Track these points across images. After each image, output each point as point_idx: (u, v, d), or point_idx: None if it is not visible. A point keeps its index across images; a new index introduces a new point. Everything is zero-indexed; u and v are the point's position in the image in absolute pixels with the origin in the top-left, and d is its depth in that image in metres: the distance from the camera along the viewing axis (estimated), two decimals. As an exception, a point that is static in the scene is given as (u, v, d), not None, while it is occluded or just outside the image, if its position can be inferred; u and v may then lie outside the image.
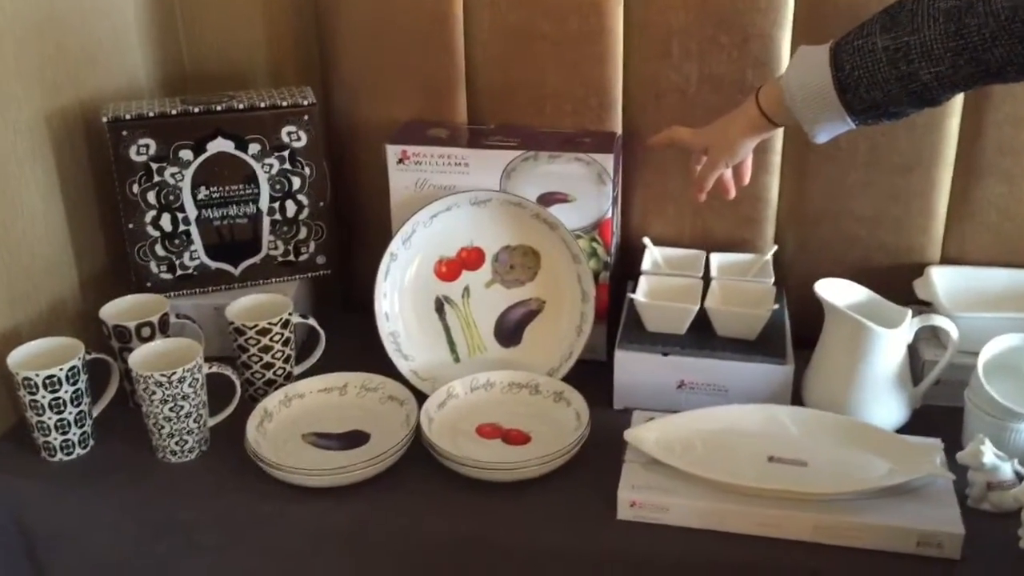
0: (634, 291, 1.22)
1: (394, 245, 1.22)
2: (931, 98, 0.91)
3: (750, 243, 1.31)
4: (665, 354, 1.17)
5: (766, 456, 1.05)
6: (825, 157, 1.24)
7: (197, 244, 1.29)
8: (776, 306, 1.16)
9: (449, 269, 1.26)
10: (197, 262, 1.30)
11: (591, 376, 1.22)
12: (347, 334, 1.28)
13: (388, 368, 1.22)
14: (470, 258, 1.25)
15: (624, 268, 1.32)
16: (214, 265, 1.30)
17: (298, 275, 1.35)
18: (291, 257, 1.33)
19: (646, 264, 1.27)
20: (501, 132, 1.28)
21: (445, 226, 1.23)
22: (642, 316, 1.19)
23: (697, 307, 1.16)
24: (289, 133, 1.27)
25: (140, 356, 1.11)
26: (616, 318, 1.27)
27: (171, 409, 1.09)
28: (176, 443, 1.11)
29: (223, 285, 1.32)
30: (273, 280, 1.34)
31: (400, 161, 1.24)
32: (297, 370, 1.24)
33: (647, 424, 1.08)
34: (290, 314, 1.20)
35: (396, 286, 1.25)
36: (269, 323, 1.18)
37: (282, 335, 1.19)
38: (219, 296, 1.31)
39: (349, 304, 1.45)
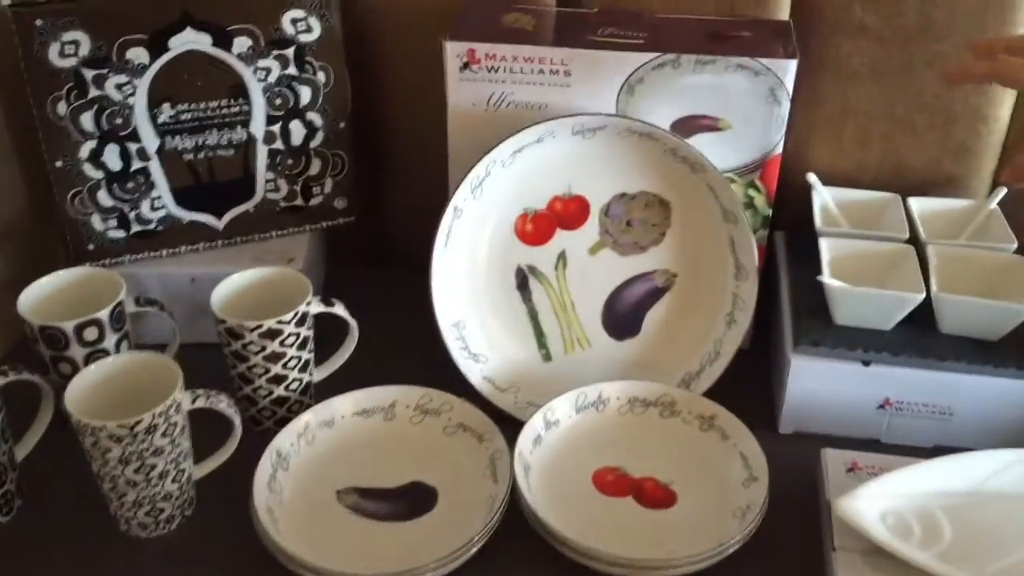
0: (805, 257, 0.83)
1: (459, 195, 0.82)
2: None
3: (959, 181, 0.92)
4: (867, 363, 0.80)
5: (1052, 541, 0.70)
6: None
7: (161, 188, 0.87)
8: (1048, 299, 0.78)
9: (537, 228, 0.86)
10: (162, 213, 0.88)
11: (729, 376, 0.85)
12: (382, 314, 0.89)
13: (449, 371, 0.84)
14: (568, 212, 0.85)
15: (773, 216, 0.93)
16: (187, 216, 0.89)
17: (309, 226, 0.94)
18: (298, 201, 0.93)
19: (816, 215, 0.88)
20: (612, 19, 0.85)
21: (533, 165, 0.83)
22: (833, 305, 0.81)
23: (921, 295, 0.79)
24: (294, 21, 0.84)
25: (82, 389, 0.72)
26: (767, 287, 0.89)
27: (137, 471, 0.70)
28: (147, 513, 0.73)
29: (201, 244, 0.91)
30: (274, 234, 0.93)
31: (466, 66, 0.82)
32: (316, 376, 0.86)
33: (864, 489, 0.72)
34: (309, 303, 0.81)
35: (462, 255, 0.85)
36: (280, 321, 0.78)
37: (297, 336, 0.80)
38: (196, 261, 0.90)
39: (380, 263, 1.05)
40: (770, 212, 0.86)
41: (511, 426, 0.79)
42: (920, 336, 0.80)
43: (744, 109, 0.81)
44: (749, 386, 0.88)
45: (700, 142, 0.82)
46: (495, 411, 0.82)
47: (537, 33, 0.84)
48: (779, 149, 0.83)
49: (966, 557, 0.68)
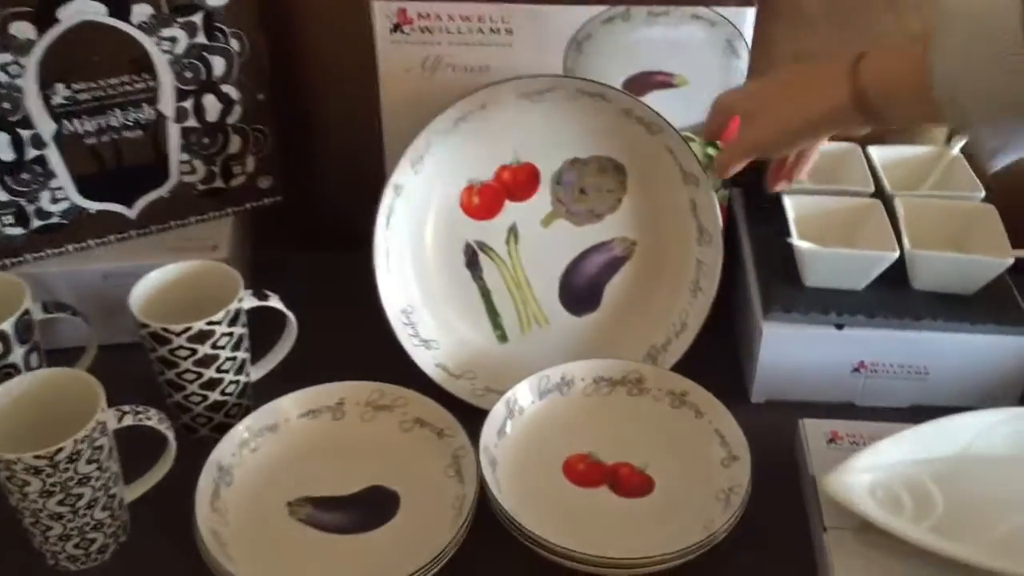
0: (766, 215, 0.79)
1: (399, 172, 0.74)
2: None
3: (919, 128, 0.88)
4: (840, 326, 0.76)
5: (1044, 504, 0.67)
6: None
7: (62, 177, 0.78)
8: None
9: (484, 201, 0.79)
10: (64, 205, 0.79)
11: (697, 339, 0.81)
12: (320, 302, 0.82)
13: (400, 361, 0.78)
14: (517, 181, 0.79)
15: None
16: (94, 207, 0.80)
17: (231, 209, 0.86)
18: (218, 183, 0.84)
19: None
20: None
21: (477, 134, 0.76)
22: (803, 267, 0.77)
23: (895, 253, 0.75)
24: (201, -17, 0.75)
25: (-10, 416, 0.64)
26: (730, 252, 0.85)
27: (62, 502, 0.63)
28: (76, 545, 0.66)
29: (111, 236, 0.82)
30: (192, 220, 0.84)
31: (397, 28, 0.74)
32: (254, 376, 0.78)
33: (851, 463, 0.68)
34: (241, 299, 0.73)
35: (405, 235, 0.78)
36: (210, 322, 0.70)
37: (231, 336, 0.73)
38: (107, 255, 0.82)
39: (310, 246, 0.96)
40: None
41: (472, 418, 0.73)
42: (892, 295, 0.77)
43: (701, 63, 0.76)
44: (712, 354, 0.84)
45: (655, 100, 0.77)
46: (453, 402, 0.76)
47: None
48: None
49: (961, 527, 0.65)
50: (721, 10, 0.74)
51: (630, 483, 0.71)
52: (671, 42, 0.75)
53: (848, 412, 0.79)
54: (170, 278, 0.75)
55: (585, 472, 0.72)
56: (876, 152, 0.85)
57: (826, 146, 0.85)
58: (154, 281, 0.74)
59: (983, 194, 0.80)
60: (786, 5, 0.82)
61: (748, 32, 0.74)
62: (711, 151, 0.79)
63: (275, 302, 0.76)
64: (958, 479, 0.68)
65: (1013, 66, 0.52)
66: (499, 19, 0.74)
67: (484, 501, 0.68)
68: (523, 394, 0.75)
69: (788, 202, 0.79)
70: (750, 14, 0.73)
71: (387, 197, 0.75)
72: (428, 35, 0.75)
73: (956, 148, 0.84)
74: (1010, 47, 0.52)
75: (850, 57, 0.62)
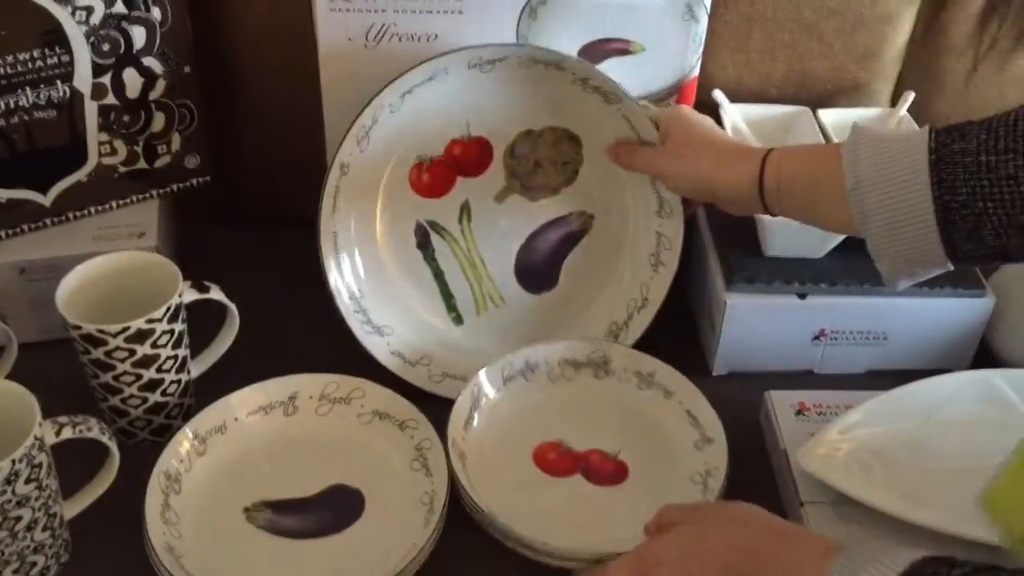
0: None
1: (344, 150, 0.70)
2: None
3: (864, 88, 0.87)
4: (803, 296, 0.75)
5: (1010, 467, 0.68)
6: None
7: (-34, 163, 0.71)
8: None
9: (435, 177, 0.75)
10: (-29, 193, 0.72)
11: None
12: (260, 288, 0.77)
13: (352, 350, 0.74)
14: (468, 156, 0.75)
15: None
16: (4, 195, 0.73)
17: (156, 191, 0.79)
18: (141, 163, 0.77)
19: (730, 136, 0.81)
20: None
21: (426, 108, 0.72)
22: (764, 237, 0.76)
23: (855, 221, 0.74)
24: (117, -53, 0.68)
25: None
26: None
27: (0, 527, 0.57)
28: (16, 571, 0.60)
29: (26, 226, 0.75)
30: (114, 204, 0.78)
31: None
32: (195, 372, 0.73)
33: (822, 436, 0.68)
34: (180, 293, 0.68)
35: (352, 216, 0.74)
36: (149, 320, 0.65)
37: (171, 333, 0.67)
38: (23, 246, 0.75)
39: (242, 225, 0.90)
40: None
41: (433, 406, 0.70)
42: (851, 262, 0.76)
43: (658, 29, 0.73)
44: (667, 327, 0.83)
45: (611, 67, 0.74)
46: (410, 390, 0.72)
47: None
48: (696, 71, 0.75)
49: (933, 494, 0.65)
50: (682, -23, 0.71)
51: (603, 471, 0.69)
52: (628, 7, 0.72)
53: (807, 380, 0.78)
54: (99, 272, 0.69)
55: (557, 461, 0.69)
56: (826, 115, 0.84)
57: (777, 109, 0.85)
58: (81, 276, 0.68)
59: (934, 156, 0.80)
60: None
61: None
62: None
63: (216, 294, 0.71)
64: (926, 445, 0.69)
65: (912, 176, 0.56)
66: None
67: (454, 494, 0.65)
68: (487, 382, 0.72)
69: (744, 170, 0.77)
70: None
71: (332, 177, 0.70)
72: (372, 2, 0.70)
73: (903, 109, 0.84)
74: (914, 164, 0.56)
75: (759, 158, 0.65)
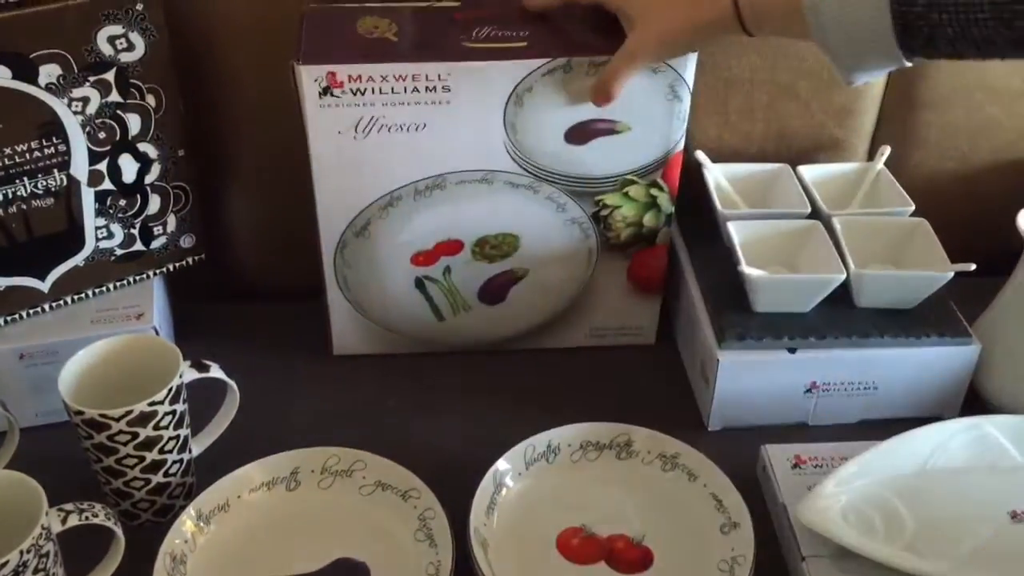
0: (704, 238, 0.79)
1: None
2: None
3: (842, 144, 0.89)
4: (792, 350, 0.77)
5: (1006, 512, 0.69)
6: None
7: (-34, 254, 0.72)
8: (971, 266, 0.76)
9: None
10: (-30, 283, 0.73)
11: (643, 371, 0.85)
12: (254, 360, 0.79)
13: (353, 416, 0.74)
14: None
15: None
16: (3, 283, 0.74)
17: (153, 271, 0.81)
18: (137, 246, 0.79)
19: (714, 196, 0.83)
20: (483, 16, 0.75)
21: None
22: (753, 293, 0.77)
23: (842, 275, 0.76)
24: (112, 39, 0.69)
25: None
26: (670, 276, 0.85)
27: (5, 621, 0.57)
28: (22, 662, 0.60)
29: (24, 311, 0.76)
30: (111, 287, 0.79)
31: (327, 91, 0.71)
32: (196, 450, 0.74)
33: (821, 489, 0.68)
34: (181, 374, 0.68)
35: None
36: (152, 403, 0.66)
37: (173, 414, 0.68)
38: (21, 332, 0.75)
39: (233, 298, 0.91)
40: (673, 210, 0.81)
41: (437, 477, 0.70)
42: (839, 314, 0.77)
43: (643, 109, 0.74)
44: (658, 379, 0.84)
45: (598, 146, 0.76)
46: (416, 463, 0.72)
47: (403, 43, 0.73)
48: (680, 146, 0.77)
49: (934, 544, 0.66)
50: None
51: (628, 557, 0.68)
52: (613, 92, 0.74)
53: (801, 432, 0.79)
54: (100, 356, 0.69)
55: (580, 548, 0.69)
56: (806, 172, 0.86)
57: (758, 167, 0.87)
58: (83, 361, 0.68)
59: (912, 208, 0.82)
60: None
61: (690, 77, 0.73)
62: (654, 192, 0.78)
63: (216, 372, 0.71)
64: (924, 494, 0.70)
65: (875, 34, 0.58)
66: (436, 77, 0.71)
67: (459, 569, 0.65)
68: (509, 466, 0.72)
69: (732, 228, 0.79)
70: (692, 60, 0.73)
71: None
72: (360, 96, 0.71)
73: (880, 163, 0.86)
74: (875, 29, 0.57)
75: None
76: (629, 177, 0.78)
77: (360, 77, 0.70)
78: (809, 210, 0.82)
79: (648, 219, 0.80)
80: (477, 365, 0.85)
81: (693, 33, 0.69)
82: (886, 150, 0.87)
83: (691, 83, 0.74)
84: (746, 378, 0.77)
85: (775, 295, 0.76)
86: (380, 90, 0.71)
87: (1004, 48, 0.57)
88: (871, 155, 0.90)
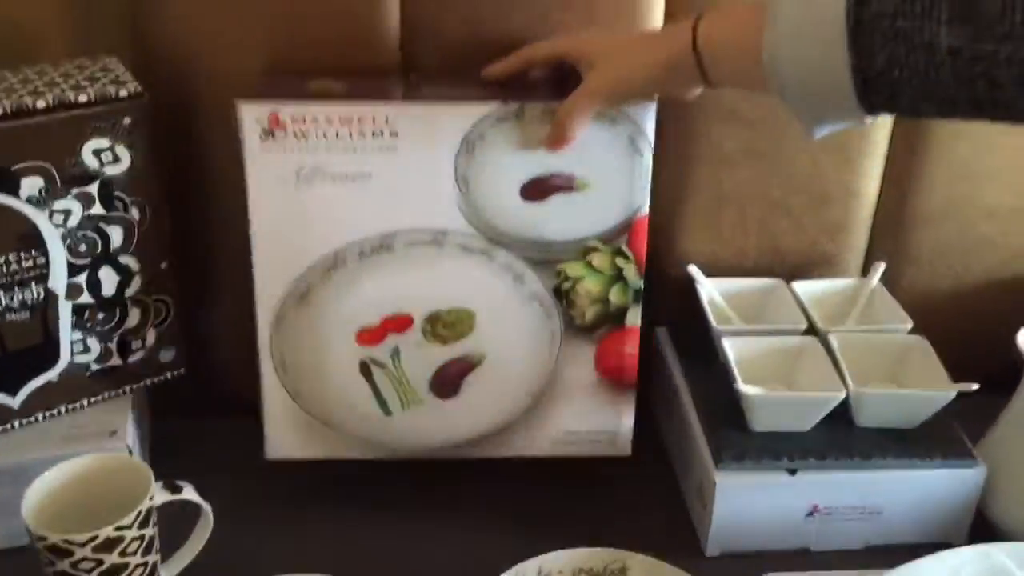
0: (697, 355, 0.77)
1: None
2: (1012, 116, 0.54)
3: (834, 259, 0.88)
4: (793, 471, 0.74)
5: (1026, 650, 0.65)
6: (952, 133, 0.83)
7: (-66, 369, 0.69)
8: (974, 385, 0.74)
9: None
10: (-62, 399, 0.70)
11: (624, 487, 0.81)
12: (225, 479, 0.74)
13: (333, 544, 0.71)
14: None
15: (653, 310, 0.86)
16: (-28, 399, 0.72)
17: (130, 386, 0.78)
18: (114, 360, 0.76)
19: (707, 311, 0.82)
20: (437, 79, 0.76)
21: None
22: (750, 413, 0.75)
23: (842, 394, 0.73)
24: (97, 152, 0.69)
25: None
26: (662, 395, 0.82)
27: None
28: None
29: (-7, 428, 0.73)
30: (84, 403, 0.76)
31: (268, 134, 0.68)
32: (166, 577, 0.70)
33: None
34: (151, 496, 0.65)
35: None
36: (119, 527, 0.62)
37: (141, 539, 0.64)
38: (-12, 450, 0.72)
39: (204, 412, 0.88)
40: (641, 285, 0.76)
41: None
42: (839, 433, 0.75)
43: (602, 164, 0.71)
44: (643, 497, 0.81)
45: (555, 206, 0.72)
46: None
47: (351, 95, 0.71)
48: (645, 208, 0.73)
49: None
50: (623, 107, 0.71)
51: None
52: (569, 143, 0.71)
53: (804, 559, 0.76)
54: (67, 476, 0.66)
55: None
56: (800, 287, 0.85)
57: (752, 282, 0.86)
58: (49, 482, 0.65)
59: (910, 325, 0.81)
60: (705, 147, 0.82)
61: (650, 129, 0.71)
62: (619, 262, 0.75)
63: (190, 493, 0.68)
64: (937, 629, 0.66)
65: (829, 43, 0.55)
66: (383, 120, 0.68)
67: None
68: None
69: (727, 344, 0.77)
70: (651, 110, 0.71)
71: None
72: (303, 141, 0.69)
73: (875, 279, 0.85)
74: (831, 30, 0.54)
75: (691, 16, 0.64)
76: (591, 244, 0.74)
77: (304, 119, 0.68)
78: (805, 326, 0.80)
79: (614, 295, 0.75)
80: (433, 475, 0.80)
81: (652, 70, 0.66)
82: (880, 267, 0.86)
83: (651, 138, 0.71)
84: (745, 501, 0.74)
85: (774, 414, 0.74)
86: (324, 134, 0.69)
87: (964, 108, 0.55)
88: (865, 271, 0.89)
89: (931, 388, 0.74)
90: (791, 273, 0.87)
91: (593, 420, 0.80)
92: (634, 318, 0.77)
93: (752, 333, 0.80)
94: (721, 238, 0.86)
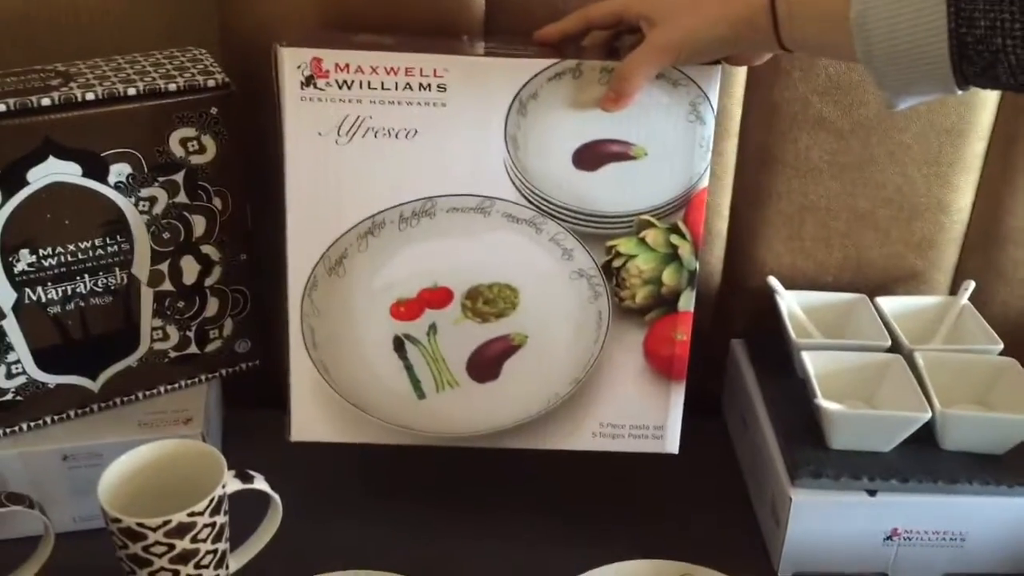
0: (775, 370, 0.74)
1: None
2: None
3: (921, 276, 0.86)
4: (872, 492, 0.71)
5: None
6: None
7: (19, 350, 0.70)
8: (1070, 412, 0.71)
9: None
10: (21, 380, 0.71)
11: (683, 499, 0.79)
12: (296, 470, 0.75)
13: (399, 538, 0.70)
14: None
15: (732, 322, 0.84)
16: (53, 381, 0.73)
17: (206, 375, 0.79)
18: (192, 348, 0.77)
19: (787, 324, 0.80)
20: (494, 39, 0.73)
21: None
22: (830, 430, 0.73)
23: (927, 414, 0.71)
24: (184, 141, 0.69)
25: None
26: (739, 410, 0.80)
27: None
28: None
29: (72, 411, 0.74)
30: (162, 390, 0.77)
31: (309, 81, 0.65)
32: (233, 566, 0.70)
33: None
34: (224, 484, 0.65)
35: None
36: (191, 513, 0.63)
37: (212, 527, 0.65)
38: (67, 433, 0.73)
39: (277, 404, 0.89)
40: (697, 266, 0.70)
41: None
42: (922, 456, 0.72)
43: (661, 130, 0.67)
44: (726, 520, 0.79)
45: (610, 175, 0.68)
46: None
47: (399, 47, 0.67)
48: (705, 181, 0.69)
49: None
50: (685, 69, 0.67)
51: None
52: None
53: (882, 584, 0.74)
54: (142, 461, 0.67)
55: None
56: (885, 303, 0.82)
57: (834, 296, 0.84)
58: (124, 466, 0.66)
59: (1000, 347, 0.78)
60: (791, 156, 0.80)
61: (714, 95, 0.67)
62: (675, 240, 0.71)
63: (260, 483, 0.68)
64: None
65: (926, 3, 0.51)
66: (431, 72, 0.64)
67: None
68: None
69: (807, 358, 0.75)
70: (716, 73, 0.67)
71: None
72: (347, 91, 0.65)
73: (964, 298, 0.82)
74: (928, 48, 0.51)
75: None
76: (646, 218, 0.70)
77: (348, 67, 0.64)
78: (889, 343, 0.78)
79: (668, 275, 0.70)
80: (469, 460, 0.77)
81: (721, 28, 0.61)
82: (970, 285, 0.83)
83: (715, 103, 0.67)
84: (821, 520, 0.71)
85: (854, 432, 0.72)
86: (369, 84, 0.65)
87: None
88: (953, 289, 0.86)
89: (1022, 413, 0.71)
90: (874, 289, 0.85)
91: (638, 413, 0.74)
92: (687, 303, 0.71)
93: (833, 348, 0.77)
94: (803, 250, 0.84)
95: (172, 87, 0.67)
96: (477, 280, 0.70)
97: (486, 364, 0.73)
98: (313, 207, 0.68)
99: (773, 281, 0.83)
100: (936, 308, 0.83)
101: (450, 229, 0.69)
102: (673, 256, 0.71)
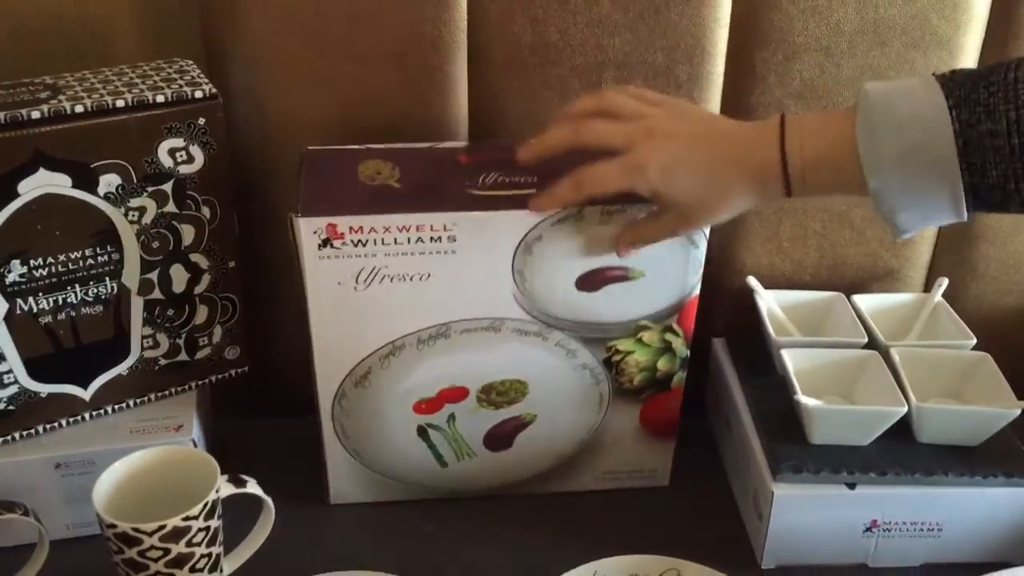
0: (755, 367, 0.76)
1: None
2: None
3: (896, 274, 0.88)
4: (852, 485, 0.73)
5: (1089, 672, 0.64)
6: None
7: (11, 359, 0.71)
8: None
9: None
10: (12, 390, 0.72)
11: (670, 496, 0.82)
12: (286, 475, 0.76)
13: (392, 540, 0.72)
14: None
15: (710, 321, 0.86)
16: (44, 390, 0.73)
17: (195, 382, 0.80)
18: (182, 356, 0.78)
19: (766, 322, 0.82)
20: (489, 160, 0.74)
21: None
22: (809, 425, 0.74)
23: (904, 408, 0.73)
24: (172, 152, 0.70)
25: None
26: (718, 405, 0.82)
27: None
28: None
29: (63, 420, 0.75)
30: (152, 397, 0.78)
31: (326, 243, 0.69)
32: (227, 569, 0.71)
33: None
34: (218, 489, 0.66)
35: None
36: (186, 518, 0.64)
37: (207, 530, 0.66)
38: (59, 441, 0.74)
39: (269, 411, 0.90)
40: (688, 353, 0.77)
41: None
42: (900, 449, 0.74)
43: (657, 256, 0.72)
44: (710, 514, 0.80)
45: (610, 292, 0.73)
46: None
47: (406, 190, 0.71)
48: (696, 291, 0.74)
49: None
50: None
51: None
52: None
53: (861, 574, 0.75)
54: (135, 467, 0.68)
55: None
56: (862, 301, 0.84)
57: (811, 295, 0.86)
58: (118, 473, 0.67)
59: (973, 341, 0.80)
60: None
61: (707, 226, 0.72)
62: (668, 337, 0.76)
63: (253, 488, 0.69)
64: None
65: (940, 162, 0.56)
66: (441, 227, 0.68)
67: None
68: None
69: (786, 356, 0.77)
70: None
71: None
72: (361, 248, 0.68)
73: (937, 295, 0.84)
74: (945, 159, 0.55)
75: (775, 126, 0.62)
76: (642, 323, 0.75)
77: (362, 228, 0.68)
78: (866, 340, 0.80)
79: (662, 364, 0.77)
80: (480, 510, 0.81)
81: (735, 207, 0.66)
82: (944, 282, 0.85)
83: (707, 231, 0.71)
84: (802, 513, 0.73)
85: (833, 427, 0.73)
86: (383, 241, 0.68)
87: None
88: (927, 286, 0.89)
89: (995, 405, 0.73)
90: (851, 287, 0.87)
91: (635, 461, 0.82)
92: (679, 382, 0.79)
93: (812, 345, 0.79)
94: (780, 250, 0.86)
95: (160, 98, 0.68)
96: (490, 378, 0.76)
97: (500, 438, 0.80)
98: (337, 338, 0.73)
99: (752, 281, 0.85)
100: (911, 305, 0.85)
101: (464, 346, 0.74)
102: (667, 349, 0.77)
